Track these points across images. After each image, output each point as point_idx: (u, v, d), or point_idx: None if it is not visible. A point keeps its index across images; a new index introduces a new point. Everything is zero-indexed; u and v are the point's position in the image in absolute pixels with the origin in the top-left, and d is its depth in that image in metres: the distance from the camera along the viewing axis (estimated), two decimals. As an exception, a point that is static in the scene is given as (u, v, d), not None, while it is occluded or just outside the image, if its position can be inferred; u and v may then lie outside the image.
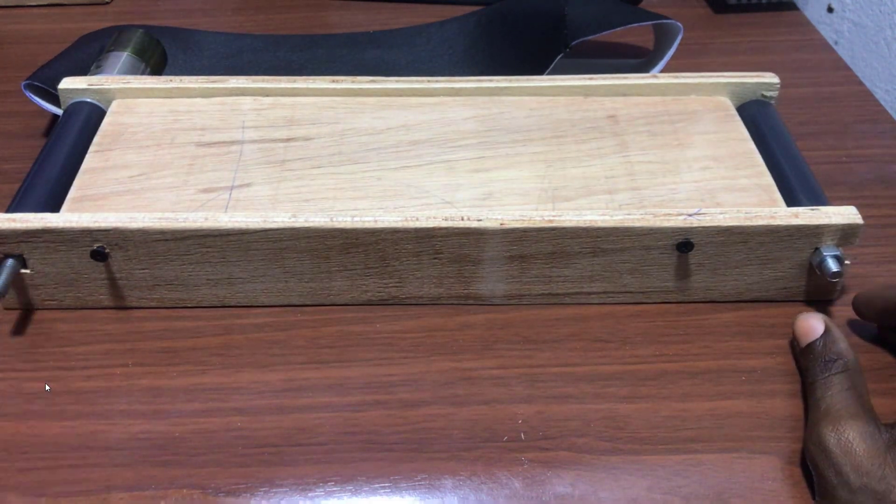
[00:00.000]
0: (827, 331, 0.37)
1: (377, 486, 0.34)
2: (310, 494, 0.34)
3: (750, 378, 0.39)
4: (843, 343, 0.36)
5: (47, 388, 0.38)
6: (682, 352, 0.40)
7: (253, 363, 0.39)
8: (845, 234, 0.40)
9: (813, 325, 0.37)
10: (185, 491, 0.34)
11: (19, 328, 0.41)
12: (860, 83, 0.60)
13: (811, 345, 0.37)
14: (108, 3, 0.69)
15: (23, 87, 0.52)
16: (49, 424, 0.36)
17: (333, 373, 0.39)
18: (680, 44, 0.57)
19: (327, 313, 0.42)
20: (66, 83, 0.48)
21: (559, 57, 0.53)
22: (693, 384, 0.38)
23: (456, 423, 0.37)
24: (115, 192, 0.42)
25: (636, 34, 0.62)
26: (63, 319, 0.41)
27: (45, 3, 0.69)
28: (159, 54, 0.56)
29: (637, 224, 0.39)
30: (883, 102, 0.58)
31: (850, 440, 0.32)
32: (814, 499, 0.34)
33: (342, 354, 0.40)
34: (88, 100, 0.48)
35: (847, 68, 0.62)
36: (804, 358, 0.37)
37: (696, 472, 0.35)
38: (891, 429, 0.33)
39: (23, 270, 0.40)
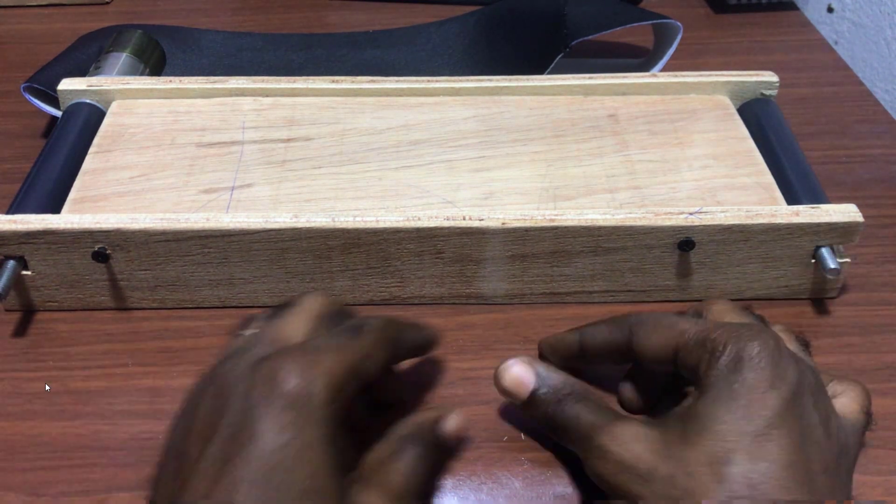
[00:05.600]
0: (539, 374, 0.33)
1: (378, 485, 0.34)
2: (311, 494, 0.34)
3: (751, 377, 0.39)
4: (557, 373, 0.33)
5: (47, 388, 0.38)
6: (683, 351, 0.40)
7: (254, 363, 0.39)
8: (846, 232, 0.40)
9: (522, 374, 0.33)
10: (186, 491, 0.34)
11: (20, 330, 0.41)
12: (860, 83, 0.60)
13: (534, 395, 0.33)
14: (108, 3, 0.69)
15: (22, 90, 0.52)
16: (49, 424, 0.36)
17: (334, 373, 0.39)
18: (680, 43, 0.57)
19: (328, 313, 0.42)
20: (66, 84, 0.48)
21: (559, 57, 0.53)
22: (694, 383, 0.38)
23: (457, 422, 0.37)
24: (116, 193, 0.42)
25: (636, 34, 0.62)
26: (63, 320, 0.41)
27: (45, 3, 0.69)
28: (158, 54, 0.56)
29: (638, 223, 0.39)
30: (883, 102, 0.58)
31: (625, 442, 0.30)
32: None
33: (343, 354, 0.40)
34: (88, 101, 0.48)
35: (847, 68, 0.62)
36: (531, 409, 0.33)
37: (698, 471, 0.35)
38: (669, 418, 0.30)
39: (24, 272, 0.40)
